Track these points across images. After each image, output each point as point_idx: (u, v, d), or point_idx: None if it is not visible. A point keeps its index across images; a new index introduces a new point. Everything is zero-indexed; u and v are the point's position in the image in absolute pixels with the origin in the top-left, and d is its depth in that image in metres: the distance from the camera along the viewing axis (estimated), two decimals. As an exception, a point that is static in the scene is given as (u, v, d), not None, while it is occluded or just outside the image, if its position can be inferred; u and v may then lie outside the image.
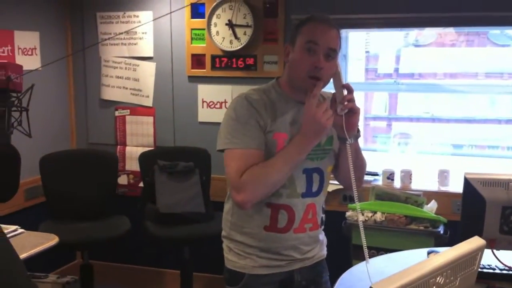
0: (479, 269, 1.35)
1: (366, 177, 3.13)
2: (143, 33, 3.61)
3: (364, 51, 3.58)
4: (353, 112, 1.65)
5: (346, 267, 1.88)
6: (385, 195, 3.10)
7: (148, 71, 3.65)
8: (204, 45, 3.50)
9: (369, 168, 2.14)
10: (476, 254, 1.28)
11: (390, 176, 3.28)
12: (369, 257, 1.63)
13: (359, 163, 1.77)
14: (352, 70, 3.56)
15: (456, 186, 3.16)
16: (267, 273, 1.77)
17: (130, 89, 3.71)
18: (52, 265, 3.64)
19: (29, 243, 2.32)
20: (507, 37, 3.44)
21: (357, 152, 1.73)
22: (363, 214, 3.01)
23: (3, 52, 3.26)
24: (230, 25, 3.36)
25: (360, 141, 1.81)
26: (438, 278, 1.12)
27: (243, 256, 1.78)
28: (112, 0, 3.65)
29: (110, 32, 3.67)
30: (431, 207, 3.03)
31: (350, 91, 1.65)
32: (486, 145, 3.51)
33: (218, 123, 1.76)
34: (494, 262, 1.79)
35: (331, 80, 1.68)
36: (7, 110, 2.30)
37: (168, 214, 3.18)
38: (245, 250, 1.77)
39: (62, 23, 3.75)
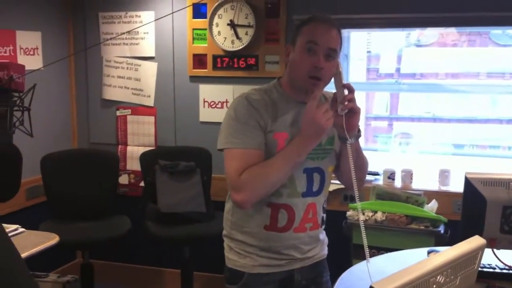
0: (480, 269, 1.35)
1: (367, 177, 3.13)
2: (144, 33, 3.62)
3: (365, 51, 3.58)
4: (354, 112, 1.64)
5: (347, 266, 1.88)
6: (385, 195, 3.10)
7: (149, 71, 3.66)
8: (206, 45, 3.51)
9: (370, 167, 2.14)
10: (477, 253, 1.28)
11: (391, 176, 3.28)
12: (370, 257, 1.63)
13: (360, 162, 1.77)
14: (354, 70, 3.56)
15: (456, 186, 3.16)
16: (267, 272, 1.77)
17: (132, 89, 3.72)
18: (52, 264, 3.65)
19: (30, 242, 2.32)
20: (509, 37, 3.44)
21: (358, 152, 1.73)
22: (363, 214, 3.02)
23: (5, 52, 3.26)
24: (232, 25, 3.37)
25: (361, 140, 1.81)
26: (438, 277, 1.12)
27: (243, 255, 1.78)
28: (114, 0, 3.66)
29: (112, 32, 3.67)
30: (432, 206, 3.03)
31: (351, 91, 1.65)
32: (487, 145, 3.51)
33: (219, 123, 1.76)
34: (494, 262, 1.79)
35: (332, 79, 1.68)
36: (9, 109, 2.30)
37: (169, 213, 3.17)
38: (245, 249, 1.78)
39: (64, 23, 3.76)
